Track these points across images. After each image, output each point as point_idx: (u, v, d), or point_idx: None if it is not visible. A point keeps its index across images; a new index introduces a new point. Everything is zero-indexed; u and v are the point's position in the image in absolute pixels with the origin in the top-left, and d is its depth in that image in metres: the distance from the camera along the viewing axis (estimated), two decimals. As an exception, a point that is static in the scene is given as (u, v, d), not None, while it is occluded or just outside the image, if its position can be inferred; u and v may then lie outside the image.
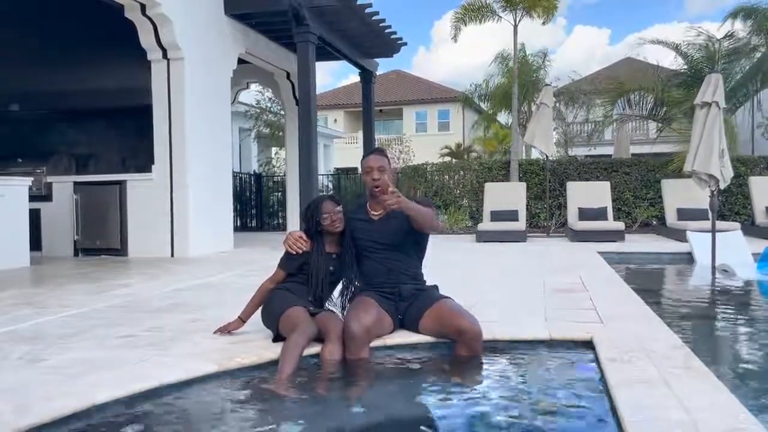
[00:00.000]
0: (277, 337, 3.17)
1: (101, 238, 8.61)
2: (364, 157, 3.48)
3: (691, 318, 4.69)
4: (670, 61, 14.13)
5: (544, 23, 15.80)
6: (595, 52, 70.94)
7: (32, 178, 8.06)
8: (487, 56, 45.87)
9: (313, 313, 3.18)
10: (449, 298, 3.37)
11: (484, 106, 22.49)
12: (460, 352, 3.09)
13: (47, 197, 8.84)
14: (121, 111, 9.59)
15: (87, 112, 9.88)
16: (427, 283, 3.50)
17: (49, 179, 8.93)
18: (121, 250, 8.51)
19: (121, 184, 8.53)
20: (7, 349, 3.25)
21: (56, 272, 6.97)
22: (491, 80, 20.50)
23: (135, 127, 9.64)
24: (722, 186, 6.65)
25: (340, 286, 3.48)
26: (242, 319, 3.43)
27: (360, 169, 3.54)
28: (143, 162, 8.81)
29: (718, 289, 5.94)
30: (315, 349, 3.03)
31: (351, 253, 3.41)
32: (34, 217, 8.24)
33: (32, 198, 7.95)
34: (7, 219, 7.17)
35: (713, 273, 6.43)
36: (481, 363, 3.07)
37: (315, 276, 3.32)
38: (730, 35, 13.29)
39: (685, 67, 13.43)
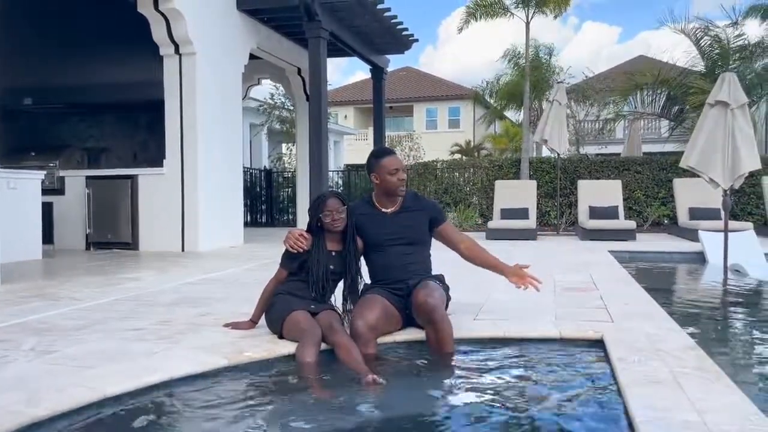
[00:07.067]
0: (283, 336, 3.18)
1: (113, 231, 8.66)
2: (380, 156, 3.39)
3: (703, 318, 4.65)
4: (683, 59, 14.05)
5: (555, 17, 15.73)
6: (601, 51, 70.42)
7: (45, 172, 8.12)
8: (495, 54, 45.56)
9: (314, 313, 3.16)
10: (435, 280, 3.35)
11: (494, 103, 22.42)
12: (429, 342, 3.05)
13: (60, 191, 8.90)
14: (133, 106, 9.64)
15: (99, 106, 9.95)
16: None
17: (62, 173, 8.98)
18: (132, 244, 8.56)
19: (132, 178, 8.57)
20: (19, 341, 3.28)
21: (68, 265, 7.02)
22: (502, 78, 20.44)
23: (147, 121, 9.70)
24: (736, 185, 6.51)
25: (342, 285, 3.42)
26: (253, 321, 3.44)
27: (370, 167, 3.43)
28: (155, 156, 8.86)
29: (731, 289, 5.89)
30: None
31: (354, 252, 3.35)
32: (47, 210, 8.31)
33: (45, 191, 8.02)
34: (19, 212, 7.22)
35: (725, 273, 6.37)
36: (489, 360, 3.05)
37: (315, 273, 3.27)
38: (740, 34, 13.17)
39: (701, 63, 13.32)
